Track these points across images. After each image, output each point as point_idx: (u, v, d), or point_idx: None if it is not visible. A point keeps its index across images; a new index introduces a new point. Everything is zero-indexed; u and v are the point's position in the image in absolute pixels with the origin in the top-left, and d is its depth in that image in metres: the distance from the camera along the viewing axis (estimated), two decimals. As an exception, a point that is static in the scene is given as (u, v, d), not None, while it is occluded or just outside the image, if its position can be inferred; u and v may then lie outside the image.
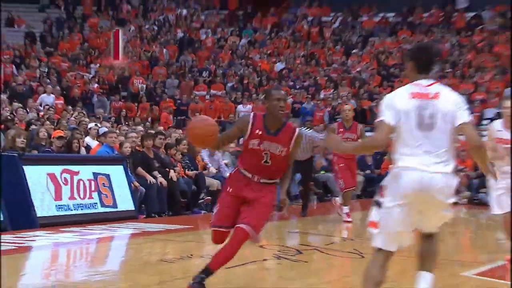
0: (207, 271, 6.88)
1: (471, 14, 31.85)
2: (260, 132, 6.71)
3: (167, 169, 15.06)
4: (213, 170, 16.66)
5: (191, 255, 10.23)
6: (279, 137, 6.73)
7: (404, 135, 5.47)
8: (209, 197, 15.99)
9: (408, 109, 5.46)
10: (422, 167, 5.38)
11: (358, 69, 28.77)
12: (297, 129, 6.92)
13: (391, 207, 5.47)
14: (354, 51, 30.68)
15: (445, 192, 5.44)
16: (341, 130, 13.78)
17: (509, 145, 8.83)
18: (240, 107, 26.83)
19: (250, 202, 6.81)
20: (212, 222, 7.08)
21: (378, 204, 5.57)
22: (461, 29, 30.98)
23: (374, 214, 5.59)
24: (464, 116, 5.52)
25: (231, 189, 6.95)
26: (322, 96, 27.62)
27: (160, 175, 14.75)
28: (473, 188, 19.65)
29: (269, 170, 6.79)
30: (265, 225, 6.97)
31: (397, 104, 5.50)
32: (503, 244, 9.63)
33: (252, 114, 6.94)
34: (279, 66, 30.35)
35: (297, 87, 28.53)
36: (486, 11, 31.37)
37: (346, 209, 14.18)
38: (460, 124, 5.48)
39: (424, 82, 5.59)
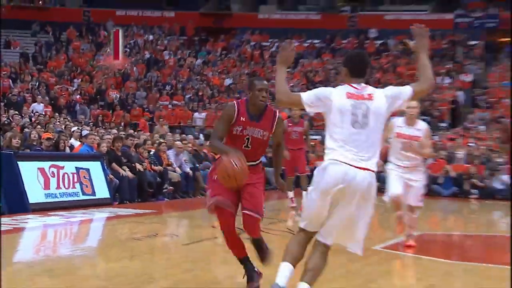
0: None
1: (380, 41, 32.21)
2: (244, 119, 5.84)
3: (134, 164, 14.97)
4: (178, 170, 16.56)
5: (156, 234, 10.19)
6: (262, 122, 5.88)
7: (337, 131, 4.92)
8: (172, 187, 16.01)
9: (344, 108, 4.90)
10: (350, 162, 4.85)
11: (291, 84, 28.84)
12: (277, 112, 6.07)
13: (315, 195, 4.94)
14: (288, 69, 30.71)
15: (366, 188, 4.90)
16: (290, 124, 13.24)
17: (407, 140, 8.71)
18: (196, 114, 26.93)
19: (247, 188, 5.86)
20: (214, 201, 5.90)
21: (307, 191, 5.07)
22: (371, 53, 31.23)
23: (303, 199, 5.24)
24: (406, 91, 5.07)
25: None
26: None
27: (128, 170, 14.66)
28: (381, 179, 19.79)
29: (249, 153, 5.83)
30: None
31: (334, 101, 4.94)
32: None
33: (235, 102, 6.02)
34: (227, 81, 30.36)
35: (243, 98, 28.51)
36: (391, 39, 31.77)
37: (290, 194, 13.64)
38: (411, 96, 5.07)
39: (357, 85, 5.02)
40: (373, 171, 4.92)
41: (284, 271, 4.93)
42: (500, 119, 23.80)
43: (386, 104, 4.98)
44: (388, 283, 7.21)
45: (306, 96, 5.01)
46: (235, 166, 5.48)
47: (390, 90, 5.09)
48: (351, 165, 4.85)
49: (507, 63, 29.29)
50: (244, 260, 6.00)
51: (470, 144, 21.71)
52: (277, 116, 5.97)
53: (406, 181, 8.80)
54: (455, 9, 33.06)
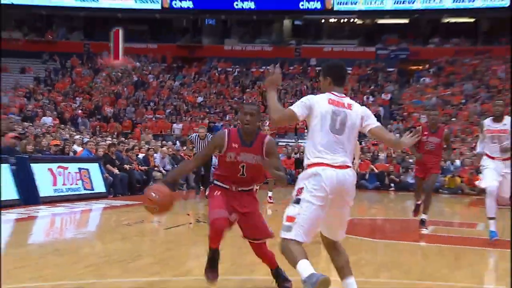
0: (277, 271, 4.99)
1: (318, 68, 32.25)
2: (237, 145, 4.81)
3: (124, 166, 14.87)
4: (163, 171, 16.45)
5: (143, 220, 10.11)
6: (253, 147, 4.84)
7: (318, 135, 4.17)
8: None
9: (325, 112, 4.17)
10: (336, 164, 4.12)
11: (249, 101, 28.94)
12: (267, 137, 4.96)
13: (310, 201, 4.06)
14: (247, 90, 30.86)
15: (352, 187, 4.23)
16: None
17: None
18: (174, 125, 26.97)
19: (247, 216, 4.92)
20: (212, 218, 4.77)
21: (296, 201, 4.11)
22: (313, 77, 31.48)
23: (291, 209, 4.12)
24: (373, 122, 4.30)
25: (219, 192, 4.93)
26: (227, 118, 27.71)
27: (116, 169, 14.50)
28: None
29: (244, 181, 4.90)
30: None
31: (317, 106, 4.19)
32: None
33: (226, 130, 4.98)
34: (199, 99, 30.29)
35: (212, 112, 28.58)
36: (328, 66, 32.01)
37: (270, 193, 12.93)
38: (371, 129, 4.29)
39: (338, 94, 4.30)
40: (353, 172, 4.25)
41: (307, 264, 4.00)
42: (412, 128, 24.16)
43: (360, 118, 4.29)
44: (324, 259, 7.24)
45: (297, 109, 4.21)
46: (154, 197, 4.74)
47: (366, 110, 4.38)
48: (337, 167, 4.14)
49: (415, 85, 29.90)
50: (215, 253, 4.93)
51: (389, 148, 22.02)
52: (266, 141, 4.89)
53: None
54: (376, 43, 33.54)
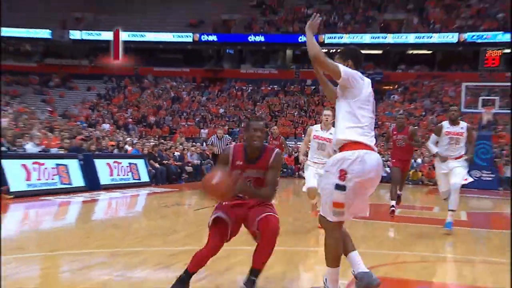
0: (255, 272, 3.67)
1: (313, 87, 32.17)
2: (241, 163, 3.65)
3: (164, 161, 14.90)
4: (194, 162, 16.48)
5: (178, 204, 10.16)
6: (258, 164, 3.65)
7: (364, 114, 3.37)
8: (187, 176, 15.95)
9: (370, 95, 3.45)
10: (374, 147, 3.36)
11: (259, 112, 28.91)
12: (276, 151, 3.70)
13: (355, 189, 3.32)
14: (258, 103, 30.84)
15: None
16: (271, 140, 11.69)
17: (322, 141, 6.92)
18: (202, 130, 27.09)
19: (256, 207, 3.66)
20: (213, 218, 3.72)
21: (342, 188, 3.30)
22: (308, 94, 31.40)
23: (338, 196, 3.31)
24: None
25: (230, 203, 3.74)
26: (243, 125, 27.76)
27: (157, 164, 14.47)
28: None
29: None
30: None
31: (364, 86, 3.44)
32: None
33: (232, 146, 3.75)
34: (221, 110, 30.34)
35: (230, 120, 28.63)
36: (320, 86, 31.70)
37: None
38: None
39: None
40: None
41: (337, 275, 3.42)
42: (384, 133, 24.07)
43: None
44: (314, 235, 7.23)
45: (343, 68, 3.37)
46: (211, 182, 3.45)
47: None
48: (376, 151, 3.39)
49: (387, 101, 29.77)
50: (188, 276, 3.61)
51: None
52: (274, 154, 3.68)
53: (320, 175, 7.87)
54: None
